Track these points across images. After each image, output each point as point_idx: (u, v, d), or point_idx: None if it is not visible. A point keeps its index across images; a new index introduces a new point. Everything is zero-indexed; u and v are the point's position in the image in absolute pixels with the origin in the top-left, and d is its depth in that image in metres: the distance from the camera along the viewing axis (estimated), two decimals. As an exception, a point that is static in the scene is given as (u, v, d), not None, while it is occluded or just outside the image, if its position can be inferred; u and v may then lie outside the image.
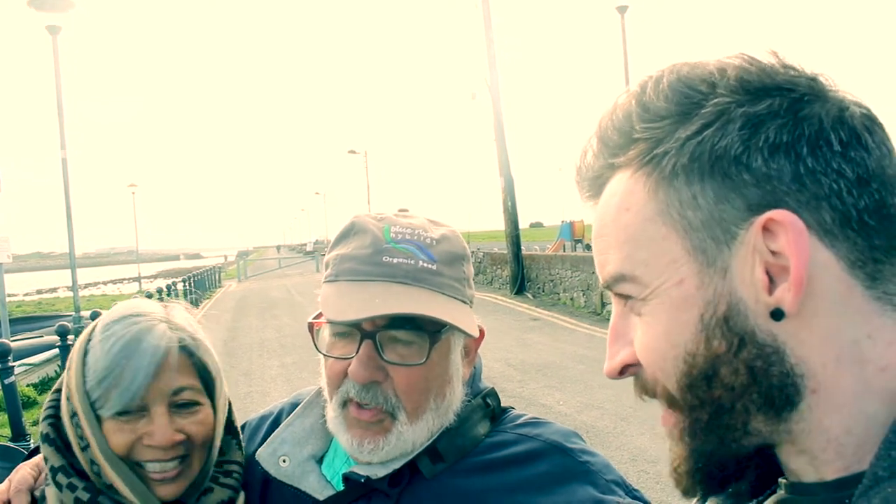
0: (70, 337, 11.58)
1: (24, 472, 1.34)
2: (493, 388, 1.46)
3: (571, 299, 18.96)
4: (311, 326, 1.36)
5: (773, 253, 0.64)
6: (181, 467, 1.29)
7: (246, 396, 10.50)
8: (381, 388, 1.27)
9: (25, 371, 13.09)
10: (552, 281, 20.61)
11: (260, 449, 1.42)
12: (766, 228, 0.64)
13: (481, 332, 1.39)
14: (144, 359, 1.24)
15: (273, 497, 1.41)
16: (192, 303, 24.97)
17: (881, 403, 0.64)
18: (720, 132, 0.66)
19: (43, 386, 12.51)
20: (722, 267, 0.66)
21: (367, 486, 1.31)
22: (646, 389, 0.75)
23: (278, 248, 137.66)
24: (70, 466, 1.26)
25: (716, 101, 0.67)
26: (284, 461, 1.39)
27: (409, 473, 1.31)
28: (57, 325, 11.60)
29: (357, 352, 1.26)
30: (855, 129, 0.66)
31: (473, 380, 1.43)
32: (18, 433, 8.54)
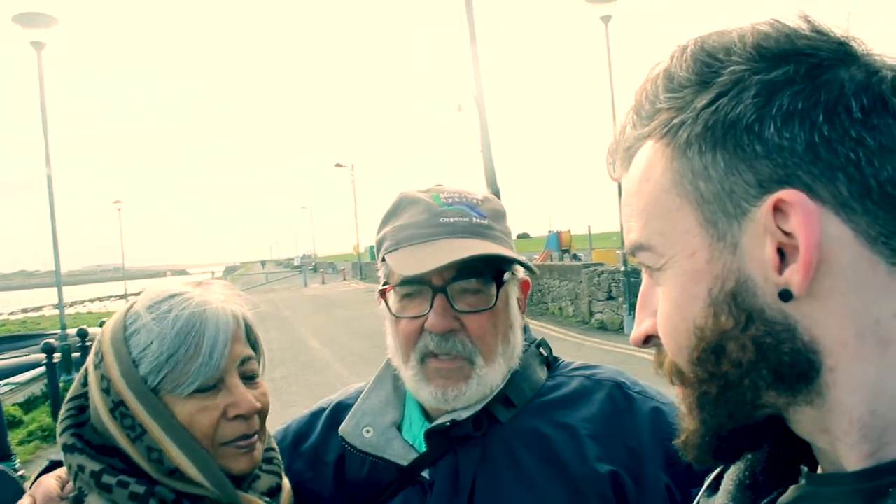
0: (56, 355, 11.45)
1: (47, 483, 1.28)
2: (543, 339, 1.57)
3: (560, 309, 18.98)
4: (383, 293, 1.44)
5: (786, 233, 0.61)
6: (258, 440, 1.29)
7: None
8: (458, 336, 1.36)
9: (11, 390, 12.94)
10: (540, 291, 20.62)
11: (342, 425, 1.47)
12: (776, 208, 0.61)
13: (528, 283, 1.49)
14: (218, 327, 1.24)
15: (350, 472, 1.47)
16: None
17: None
18: (734, 100, 0.64)
19: (28, 405, 12.36)
20: (732, 242, 0.64)
21: (451, 442, 1.38)
22: (661, 363, 0.74)
23: (263, 263, 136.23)
24: (111, 467, 1.20)
25: (732, 68, 0.65)
26: (368, 431, 1.45)
27: (487, 421, 1.39)
28: (42, 342, 11.48)
29: (430, 307, 1.35)
30: (882, 94, 0.62)
31: (525, 331, 1.52)
32: (4, 453, 8.41)
